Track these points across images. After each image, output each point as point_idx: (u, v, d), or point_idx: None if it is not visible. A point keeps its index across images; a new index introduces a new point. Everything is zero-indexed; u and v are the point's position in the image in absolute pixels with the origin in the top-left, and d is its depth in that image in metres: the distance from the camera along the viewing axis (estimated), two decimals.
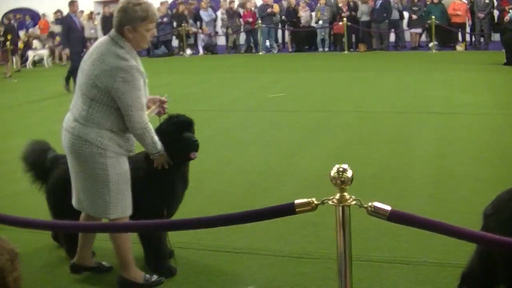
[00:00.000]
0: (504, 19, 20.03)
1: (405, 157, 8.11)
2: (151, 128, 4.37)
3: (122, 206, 4.45)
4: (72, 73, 14.64)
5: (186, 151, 4.64)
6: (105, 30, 25.69)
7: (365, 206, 3.14)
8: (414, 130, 9.66)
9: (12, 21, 26.98)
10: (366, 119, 10.56)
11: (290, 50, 24.01)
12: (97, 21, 26.31)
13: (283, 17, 24.04)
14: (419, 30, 23.21)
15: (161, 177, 4.63)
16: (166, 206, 4.73)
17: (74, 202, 4.60)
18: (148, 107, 4.70)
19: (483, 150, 8.33)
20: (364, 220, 3.42)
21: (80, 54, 14.72)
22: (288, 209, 3.31)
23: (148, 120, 4.34)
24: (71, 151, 4.38)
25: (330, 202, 3.17)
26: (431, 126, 9.86)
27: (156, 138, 4.41)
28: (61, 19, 15.56)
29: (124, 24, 4.30)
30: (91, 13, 26.71)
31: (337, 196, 3.15)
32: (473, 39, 23.21)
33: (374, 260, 5.03)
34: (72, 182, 4.54)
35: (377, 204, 3.15)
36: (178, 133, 4.60)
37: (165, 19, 24.34)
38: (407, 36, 23.69)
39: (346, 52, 22.13)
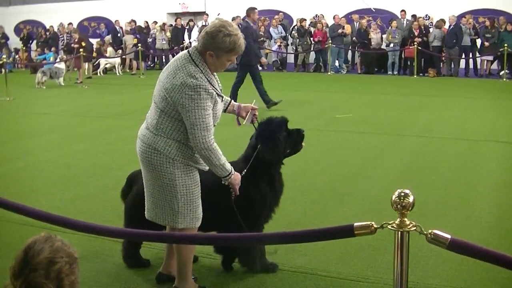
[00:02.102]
0: None
1: (470, 185, 7.97)
2: (217, 150, 4.34)
3: (191, 217, 4.49)
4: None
5: (299, 141, 5.06)
6: (175, 42, 26.21)
7: (425, 233, 3.12)
8: (481, 158, 9.49)
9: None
10: (432, 145, 10.42)
11: (359, 71, 23.95)
12: (169, 32, 26.69)
13: (354, 38, 24.01)
14: (490, 58, 22.82)
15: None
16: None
17: (146, 211, 4.67)
18: (242, 117, 4.87)
19: None
20: (424, 246, 3.39)
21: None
22: (347, 231, 3.31)
23: (213, 141, 4.31)
24: (142, 158, 4.47)
25: (389, 227, 3.16)
26: (498, 155, 9.67)
27: (223, 160, 4.38)
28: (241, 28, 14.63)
29: (208, 49, 4.33)
30: (164, 24, 27.16)
31: (397, 221, 3.13)
32: None
33: None
34: (145, 190, 4.64)
35: (437, 231, 3.12)
36: (285, 130, 4.91)
37: None
38: (478, 63, 23.30)
39: (415, 76, 21.94)
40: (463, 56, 22.70)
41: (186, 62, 4.35)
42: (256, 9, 15.23)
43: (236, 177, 4.50)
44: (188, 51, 4.45)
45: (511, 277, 4.43)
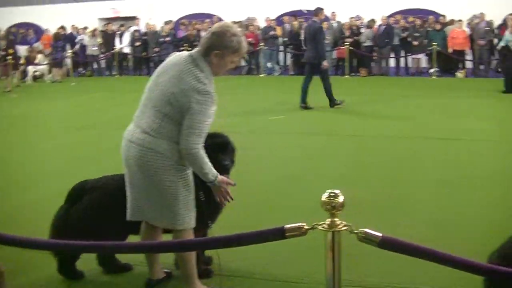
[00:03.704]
0: (497, 47, 20.21)
1: (406, 183, 8.08)
2: (204, 157, 4.30)
3: (189, 217, 4.51)
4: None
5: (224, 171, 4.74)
6: (106, 47, 25.86)
7: (356, 232, 3.12)
8: (415, 155, 9.65)
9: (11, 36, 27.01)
10: (367, 144, 10.56)
11: (292, 73, 24.04)
12: (100, 38, 26.33)
13: (285, 39, 24.11)
14: (420, 56, 23.32)
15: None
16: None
17: (130, 214, 4.63)
18: None
19: (485, 177, 8.32)
20: (360, 245, 3.38)
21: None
22: (278, 234, 3.29)
23: (202, 148, 4.28)
24: (138, 163, 4.38)
25: (320, 228, 3.15)
26: (432, 152, 9.85)
27: (206, 168, 4.33)
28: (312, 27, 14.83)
29: (215, 48, 4.33)
30: (95, 30, 26.78)
31: (328, 221, 3.13)
32: (473, 66, 23.28)
33: (367, 286, 5.00)
34: (130, 194, 4.58)
35: (368, 230, 3.13)
36: (212, 154, 4.59)
37: (167, 39, 24.50)
38: (408, 62, 23.77)
39: (347, 76, 22.16)
40: (394, 55, 23.10)
41: (191, 66, 4.32)
42: (323, 9, 15.35)
43: (222, 181, 4.48)
44: (191, 55, 4.41)
45: (444, 270, 4.44)
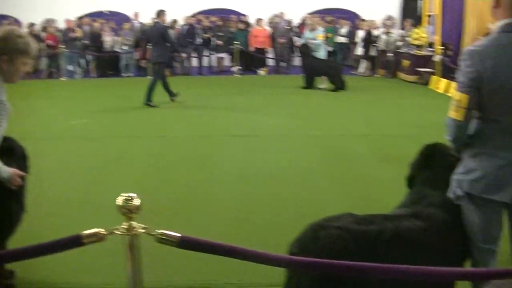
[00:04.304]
0: (296, 44, 21.14)
1: (208, 181, 8.20)
2: None
3: None
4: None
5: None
6: None
7: (154, 233, 3.11)
8: (218, 153, 9.81)
9: None
10: (170, 145, 10.55)
11: (94, 75, 23.49)
12: None
13: (86, 42, 23.50)
14: (223, 55, 23.78)
15: None
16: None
17: None
18: None
19: (283, 171, 8.66)
20: (163, 247, 3.37)
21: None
22: (76, 241, 3.20)
23: None
24: None
25: (118, 232, 3.10)
26: (234, 149, 10.08)
27: None
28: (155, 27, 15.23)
29: (2, 54, 4.15)
30: None
31: (125, 225, 3.09)
32: (275, 64, 24.15)
33: (177, 286, 5.04)
34: None
35: (166, 231, 3.13)
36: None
37: None
38: (212, 61, 24.14)
39: (149, 77, 21.77)
40: (197, 55, 23.35)
41: None
42: (165, 11, 15.64)
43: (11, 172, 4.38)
44: None
45: (249, 264, 4.55)
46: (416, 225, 3.60)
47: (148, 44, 15.72)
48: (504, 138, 3.66)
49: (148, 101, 14.95)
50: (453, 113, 3.68)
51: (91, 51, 23.26)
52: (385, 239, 3.45)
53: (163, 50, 15.14)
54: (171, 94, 15.56)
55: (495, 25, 3.69)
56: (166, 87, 15.48)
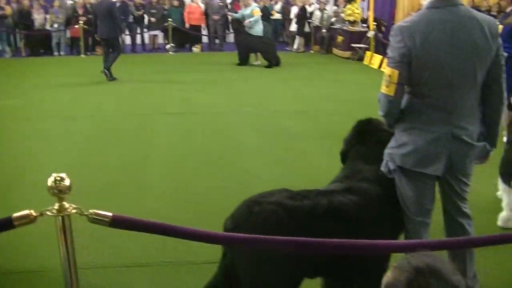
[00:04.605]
0: (230, 20, 21.06)
1: (144, 160, 8.15)
2: None
3: None
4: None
5: None
6: None
7: (86, 214, 3.06)
8: (153, 132, 9.74)
9: None
10: (104, 123, 10.40)
11: (24, 54, 22.89)
12: None
13: (15, 19, 22.86)
14: (156, 33, 23.51)
15: None
16: None
17: None
18: None
19: (219, 148, 8.69)
20: (94, 227, 3.33)
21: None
22: (6, 224, 3.12)
23: None
24: None
25: (49, 213, 3.05)
26: (169, 127, 10.03)
27: None
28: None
29: None
30: None
31: (56, 206, 3.03)
32: (209, 40, 24.04)
33: (112, 266, 5.01)
34: None
35: (98, 211, 3.08)
36: None
37: None
38: (145, 38, 23.85)
39: (83, 55, 21.59)
40: (129, 33, 23.02)
41: None
42: None
43: None
44: None
45: (184, 242, 4.54)
46: (349, 200, 3.64)
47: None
48: (434, 113, 3.73)
49: (110, 77, 15.33)
50: (385, 89, 3.73)
51: (21, 29, 22.64)
52: (319, 214, 3.49)
53: (111, 25, 15.12)
54: (110, 75, 15.44)
55: (426, 1, 3.75)
56: (109, 64, 15.46)
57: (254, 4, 19.18)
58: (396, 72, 3.67)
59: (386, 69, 3.75)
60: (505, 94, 3.87)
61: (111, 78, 15.34)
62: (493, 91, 3.82)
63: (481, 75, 3.72)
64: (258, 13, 18.76)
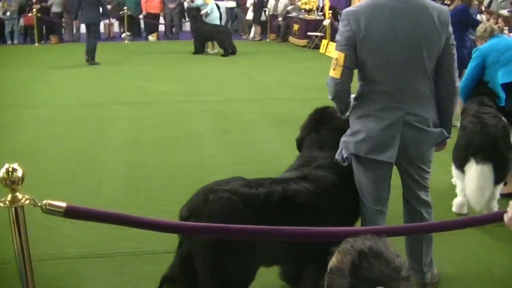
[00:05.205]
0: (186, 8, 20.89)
1: (100, 150, 8.10)
2: None
3: None
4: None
5: None
6: None
7: (40, 204, 3.03)
8: (109, 121, 9.66)
9: None
10: (59, 113, 10.26)
11: None
12: None
13: None
14: (112, 21, 23.22)
15: None
16: None
17: None
18: None
19: (175, 137, 8.67)
20: (50, 218, 3.30)
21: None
22: None
23: None
24: None
25: (1, 204, 3.01)
26: (125, 117, 9.95)
27: None
28: None
29: None
30: None
31: (9, 197, 2.99)
32: (165, 29, 23.87)
33: (69, 257, 4.97)
34: None
35: (52, 202, 3.05)
36: None
37: None
38: (100, 27, 23.48)
39: (37, 44, 21.11)
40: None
41: None
42: None
43: None
44: None
45: (142, 232, 4.53)
46: (304, 187, 3.67)
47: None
48: (385, 99, 3.78)
49: (92, 61, 15.90)
50: (332, 72, 3.81)
51: None
52: (274, 202, 3.51)
53: (97, 12, 15.77)
54: (92, 58, 16.01)
55: None
56: (93, 50, 16.00)
57: None
58: (343, 55, 3.75)
59: (334, 53, 3.83)
60: (457, 84, 3.92)
61: (94, 62, 15.95)
62: (445, 81, 3.87)
63: (430, 63, 3.76)
64: (211, 1, 18.75)
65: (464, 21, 9.35)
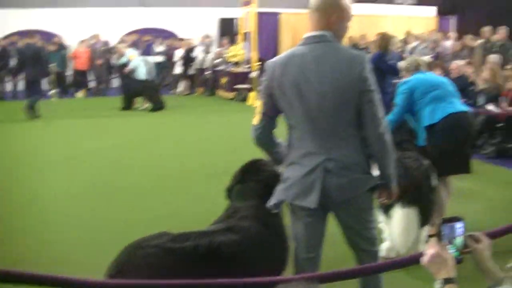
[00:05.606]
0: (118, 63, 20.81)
1: (24, 212, 7.90)
2: None
3: None
4: None
5: None
6: None
7: None
8: (33, 181, 9.48)
9: None
10: None
11: None
12: None
13: None
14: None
15: None
16: None
17: None
18: None
19: (111, 191, 8.70)
20: None
21: None
22: None
23: None
24: None
25: None
26: (53, 176, 9.80)
27: None
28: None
29: None
30: None
31: None
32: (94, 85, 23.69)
33: None
34: None
35: None
36: None
37: None
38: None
39: None
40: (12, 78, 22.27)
41: None
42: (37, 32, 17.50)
43: None
44: None
45: None
46: (230, 239, 3.71)
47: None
48: (306, 146, 3.86)
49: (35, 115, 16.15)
50: (254, 120, 4.01)
51: None
52: (200, 254, 3.53)
53: (38, 69, 16.25)
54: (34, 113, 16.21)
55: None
56: (31, 105, 16.20)
57: (128, 50, 19.63)
58: (261, 102, 3.96)
59: (257, 103, 4.01)
60: (381, 130, 3.79)
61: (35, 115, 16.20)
62: (367, 127, 3.80)
63: (347, 108, 3.76)
64: (134, 57, 18.98)
65: (380, 68, 9.48)
